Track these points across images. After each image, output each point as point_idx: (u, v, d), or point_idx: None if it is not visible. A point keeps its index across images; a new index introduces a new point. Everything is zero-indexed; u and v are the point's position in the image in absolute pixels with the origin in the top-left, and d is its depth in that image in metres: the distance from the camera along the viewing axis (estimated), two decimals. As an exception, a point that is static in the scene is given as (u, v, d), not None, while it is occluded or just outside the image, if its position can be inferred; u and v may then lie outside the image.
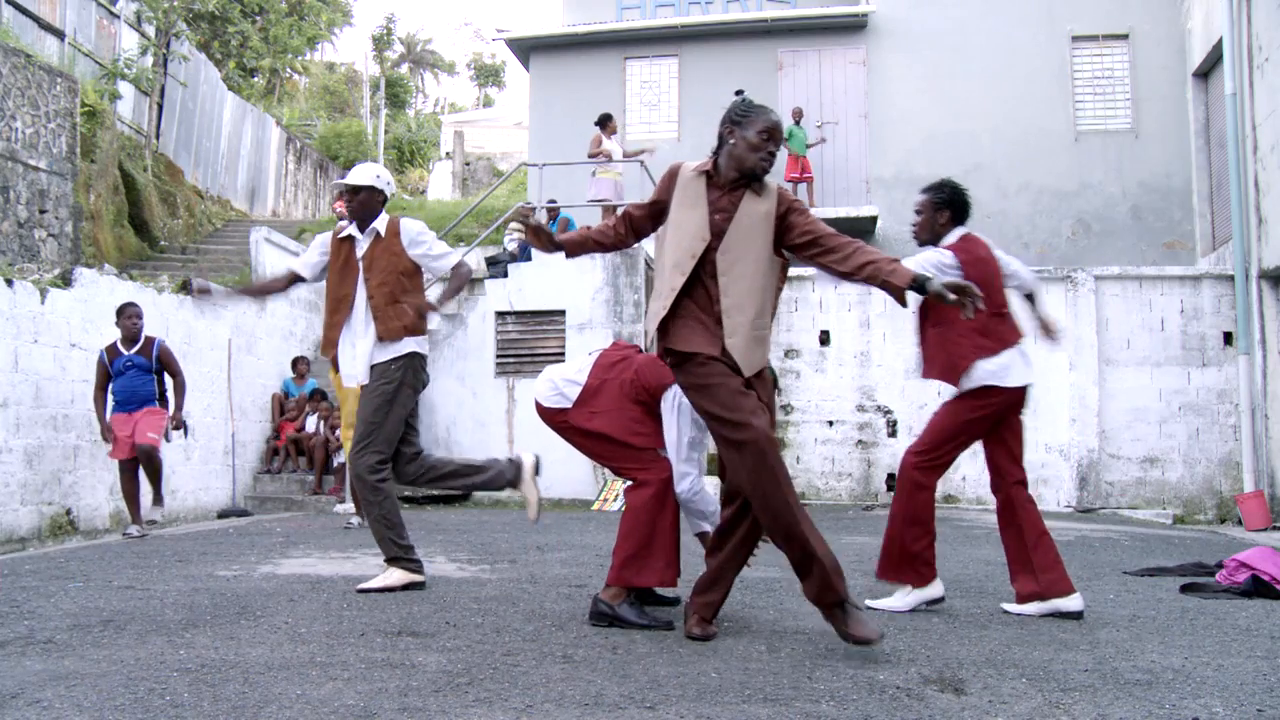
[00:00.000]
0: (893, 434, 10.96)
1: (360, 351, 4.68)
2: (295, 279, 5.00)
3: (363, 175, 4.79)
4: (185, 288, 9.55)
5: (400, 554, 4.58)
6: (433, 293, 5.06)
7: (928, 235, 4.22)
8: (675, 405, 3.73)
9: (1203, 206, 12.54)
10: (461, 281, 4.89)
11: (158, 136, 15.08)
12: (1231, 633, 3.77)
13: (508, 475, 4.71)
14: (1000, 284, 4.12)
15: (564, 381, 3.92)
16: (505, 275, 11.23)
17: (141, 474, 7.11)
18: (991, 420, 4.05)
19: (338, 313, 4.75)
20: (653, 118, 14.93)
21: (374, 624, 3.69)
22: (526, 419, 10.62)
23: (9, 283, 7.10)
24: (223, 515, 9.31)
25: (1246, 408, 10.21)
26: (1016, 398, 4.05)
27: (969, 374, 4.00)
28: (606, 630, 3.61)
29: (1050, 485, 10.67)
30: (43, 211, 10.07)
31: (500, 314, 11.11)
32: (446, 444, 11.09)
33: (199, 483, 9.34)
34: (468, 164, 27.75)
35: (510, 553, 6.03)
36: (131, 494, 7.01)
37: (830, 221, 14.77)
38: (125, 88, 14.12)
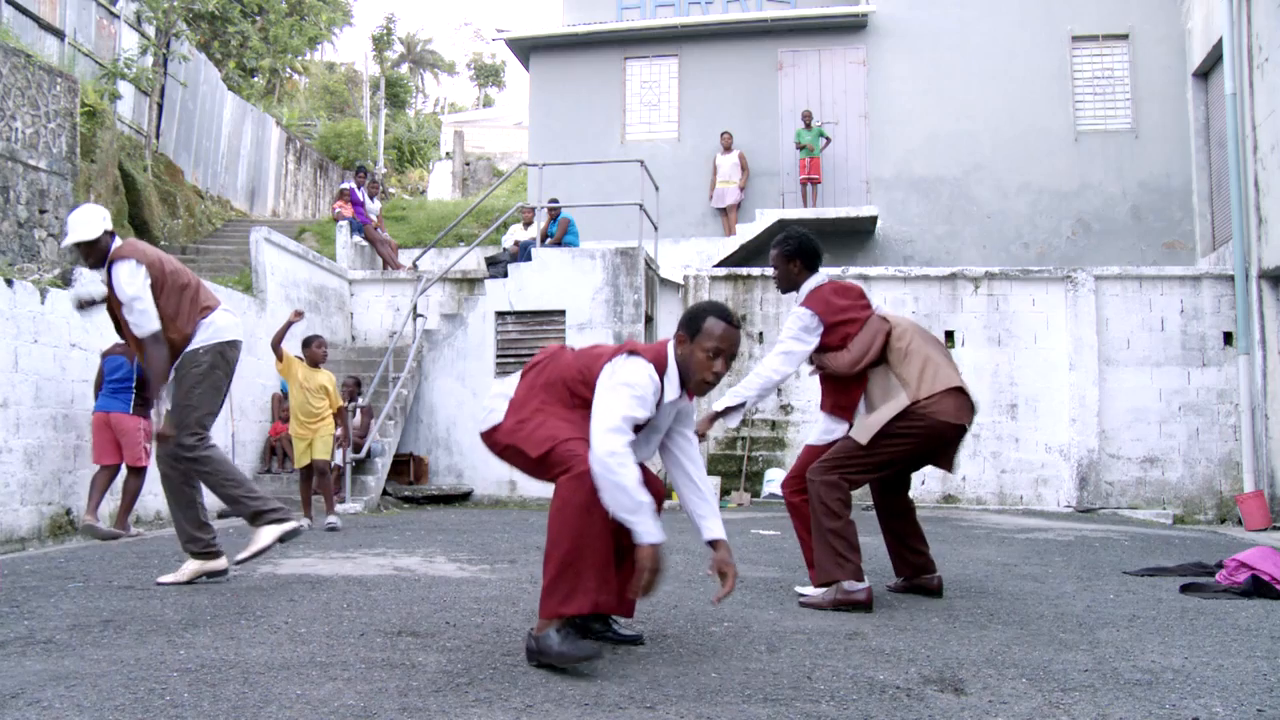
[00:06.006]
0: (893, 434, 10.94)
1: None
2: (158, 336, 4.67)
3: (88, 229, 4.56)
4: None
5: (263, 508, 4.65)
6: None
7: (786, 285, 4.54)
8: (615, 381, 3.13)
9: (1203, 206, 12.54)
10: (148, 361, 4.63)
11: (158, 136, 15.07)
12: (1231, 633, 3.77)
13: (264, 519, 4.65)
14: (858, 322, 4.39)
15: (496, 397, 3.36)
16: (505, 275, 11.22)
17: (119, 483, 7.12)
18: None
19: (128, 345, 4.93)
20: (652, 118, 14.94)
21: (374, 624, 3.69)
22: (526, 419, 10.57)
23: (9, 283, 7.09)
24: (223, 515, 9.28)
25: (1246, 408, 10.20)
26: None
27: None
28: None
29: (1050, 485, 10.66)
30: (43, 211, 10.06)
31: (500, 314, 11.10)
32: (446, 444, 11.08)
33: (199, 483, 9.34)
34: (468, 164, 27.75)
35: (510, 553, 6.04)
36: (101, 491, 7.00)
37: (830, 221, 14.68)
38: (125, 88, 14.11)
